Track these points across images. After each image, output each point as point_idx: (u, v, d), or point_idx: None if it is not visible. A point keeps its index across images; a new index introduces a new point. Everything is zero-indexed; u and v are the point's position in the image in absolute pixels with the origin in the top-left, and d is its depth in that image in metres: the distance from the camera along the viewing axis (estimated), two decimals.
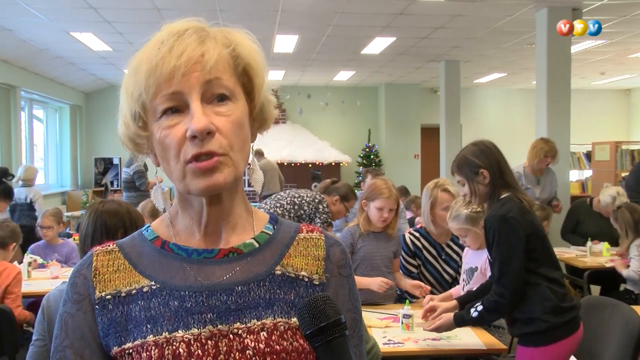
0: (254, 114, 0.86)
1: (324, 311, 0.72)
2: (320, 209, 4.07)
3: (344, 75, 10.94)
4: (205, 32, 0.81)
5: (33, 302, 4.02)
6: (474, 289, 2.65)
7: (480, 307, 2.28)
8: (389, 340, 2.55)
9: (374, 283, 2.99)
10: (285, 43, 7.83)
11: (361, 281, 3.03)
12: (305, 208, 4.02)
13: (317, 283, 0.87)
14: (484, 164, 2.30)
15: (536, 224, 2.32)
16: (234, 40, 0.82)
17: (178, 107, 0.78)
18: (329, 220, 4.23)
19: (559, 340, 2.24)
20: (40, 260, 4.18)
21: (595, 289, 4.76)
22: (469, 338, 2.56)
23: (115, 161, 11.46)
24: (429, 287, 3.10)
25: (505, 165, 2.34)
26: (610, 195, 4.84)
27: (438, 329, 2.41)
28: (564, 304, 2.27)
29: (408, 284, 3.13)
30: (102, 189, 11.01)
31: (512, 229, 2.21)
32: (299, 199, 4.04)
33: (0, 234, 3.54)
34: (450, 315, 2.41)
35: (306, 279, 0.87)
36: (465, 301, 2.50)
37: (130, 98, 0.80)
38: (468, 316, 2.31)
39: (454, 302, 2.54)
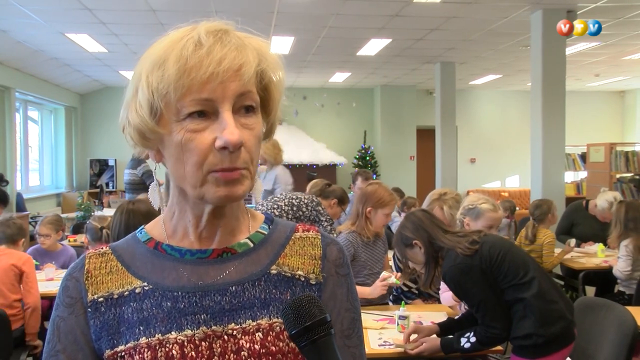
0: (265, 129, 0.85)
1: (308, 310, 0.71)
2: (321, 210, 4.07)
3: (339, 77, 10.95)
4: (240, 39, 0.78)
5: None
6: (455, 317, 2.64)
7: (473, 339, 2.31)
8: (384, 341, 2.55)
9: (374, 293, 2.96)
10: (281, 45, 7.83)
11: (363, 292, 3.01)
12: (304, 209, 4.01)
13: (313, 282, 0.86)
14: (415, 235, 2.47)
15: (490, 251, 2.32)
16: (264, 53, 0.80)
17: (204, 112, 0.75)
18: (332, 220, 4.23)
19: (556, 352, 2.27)
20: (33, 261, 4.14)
21: (591, 291, 4.78)
22: None
23: (111, 162, 11.43)
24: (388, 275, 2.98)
25: (436, 231, 2.44)
26: (607, 200, 4.88)
27: (422, 352, 2.42)
28: (554, 305, 2.28)
29: (376, 291, 2.95)
30: (98, 190, 10.98)
31: (466, 272, 2.31)
32: (297, 201, 4.03)
33: (9, 231, 3.65)
34: (435, 340, 2.43)
35: (302, 279, 0.86)
36: (447, 327, 2.51)
37: (153, 93, 0.75)
38: (458, 345, 2.34)
39: (436, 327, 2.53)
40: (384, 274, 2.99)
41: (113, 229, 2.34)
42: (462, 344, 2.33)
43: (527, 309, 2.26)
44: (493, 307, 2.29)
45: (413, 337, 2.48)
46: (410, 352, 2.42)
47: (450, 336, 2.42)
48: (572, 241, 4.71)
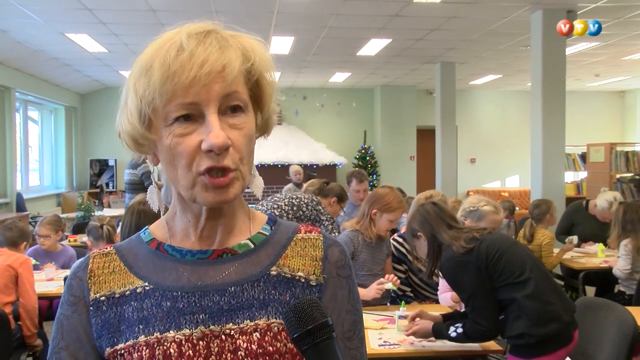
0: (259, 124, 0.85)
1: (310, 314, 0.71)
2: (321, 210, 4.07)
3: (339, 77, 10.95)
4: (224, 39, 0.78)
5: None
6: (462, 310, 2.68)
7: (460, 330, 2.37)
8: (384, 341, 2.55)
9: (368, 295, 2.97)
10: (281, 44, 7.83)
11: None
12: (304, 209, 4.01)
13: (314, 284, 0.86)
14: (420, 228, 2.57)
15: (487, 249, 2.37)
16: (250, 50, 0.80)
17: (191, 115, 0.76)
18: (333, 219, 4.24)
19: (550, 352, 2.29)
20: (33, 262, 4.13)
21: (591, 291, 4.78)
22: None
23: (111, 163, 11.43)
24: (387, 280, 3.00)
25: (440, 226, 2.50)
26: (607, 200, 4.88)
27: (414, 334, 2.49)
28: (549, 307, 2.30)
29: (371, 293, 2.98)
30: (98, 190, 10.98)
31: (461, 267, 2.38)
32: (297, 200, 4.03)
33: (10, 234, 3.60)
34: (428, 323, 2.48)
35: (303, 280, 0.86)
36: (450, 318, 2.57)
37: (141, 100, 0.76)
38: (446, 332, 2.41)
39: (439, 316, 2.59)
40: (383, 279, 3.01)
41: (123, 230, 2.37)
42: (449, 332, 2.39)
43: (520, 309, 2.29)
44: (482, 303, 2.34)
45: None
46: (405, 334, 2.50)
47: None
48: (574, 238, 4.71)
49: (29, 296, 3.33)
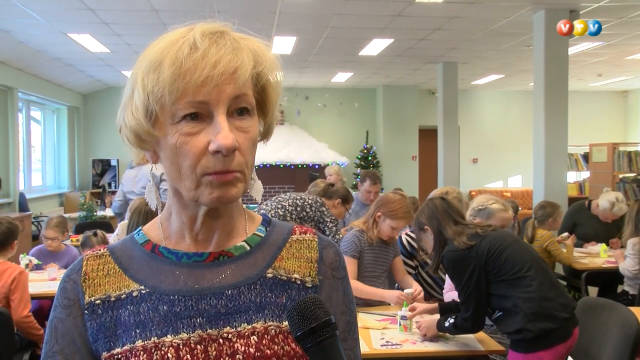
0: (262, 130, 0.85)
1: (313, 312, 0.71)
2: (325, 211, 4.07)
3: (341, 77, 10.95)
4: (237, 41, 0.77)
5: (36, 309, 3.97)
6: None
7: (451, 321, 2.46)
8: (386, 341, 2.54)
9: (389, 298, 2.99)
10: (283, 44, 7.83)
11: (376, 292, 3.05)
12: (308, 210, 4.01)
13: (309, 286, 0.86)
14: (427, 222, 2.64)
15: (489, 245, 2.42)
16: (261, 55, 0.80)
17: (199, 114, 0.75)
18: (337, 220, 4.24)
19: (547, 347, 2.32)
20: (35, 261, 4.14)
21: (593, 291, 4.77)
22: (467, 339, 2.57)
23: (113, 162, 11.44)
24: (411, 293, 3.02)
25: (446, 221, 2.56)
26: (609, 200, 4.86)
27: (425, 334, 2.58)
28: (547, 303, 2.33)
29: (393, 297, 3.00)
30: (100, 190, 10.99)
31: (460, 260, 2.45)
32: (301, 201, 4.03)
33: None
34: (433, 321, 2.56)
35: (298, 282, 0.86)
36: (446, 308, 2.67)
37: (149, 96, 0.75)
38: (443, 323, 2.51)
39: (435, 305, 2.71)
40: (411, 291, 2.99)
41: (130, 231, 2.38)
42: (445, 323, 2.49)
43: (518, 305, 2.34)
44: (471, 298, 2.39)
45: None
46: (420, 334, 2.59)
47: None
48: (563, 235, 4.74)
49: (22, 309, 3.13)
